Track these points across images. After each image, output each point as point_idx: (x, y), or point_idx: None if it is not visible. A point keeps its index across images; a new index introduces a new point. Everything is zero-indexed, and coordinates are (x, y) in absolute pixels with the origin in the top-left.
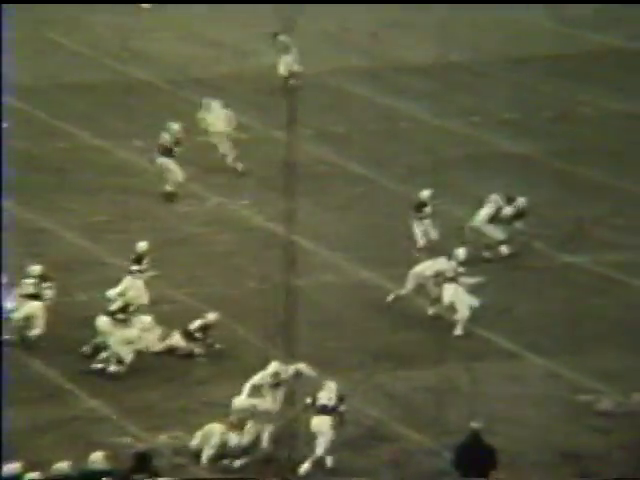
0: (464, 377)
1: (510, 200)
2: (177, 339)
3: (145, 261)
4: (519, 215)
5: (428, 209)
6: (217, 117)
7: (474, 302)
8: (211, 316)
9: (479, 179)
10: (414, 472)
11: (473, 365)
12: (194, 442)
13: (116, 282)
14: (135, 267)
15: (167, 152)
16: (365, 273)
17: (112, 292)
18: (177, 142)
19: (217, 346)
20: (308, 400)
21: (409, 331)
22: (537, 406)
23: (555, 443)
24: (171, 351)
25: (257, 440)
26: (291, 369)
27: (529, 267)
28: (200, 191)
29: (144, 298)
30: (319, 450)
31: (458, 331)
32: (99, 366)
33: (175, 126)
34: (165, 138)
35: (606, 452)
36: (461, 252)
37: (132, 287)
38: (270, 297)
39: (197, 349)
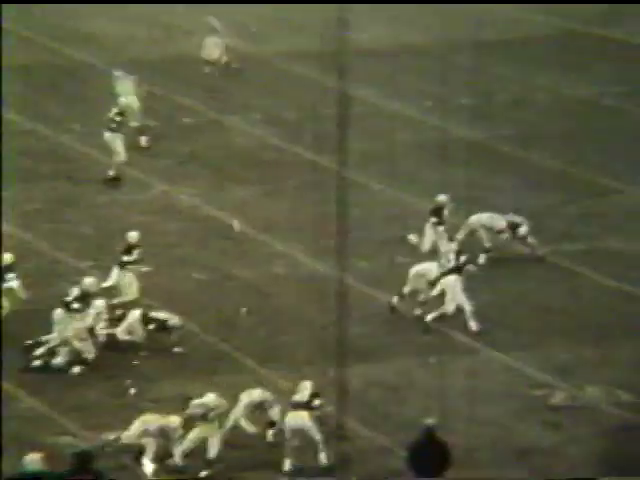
0: (420, 372)
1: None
2: (132, 322)
3: (136, 252)
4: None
5: (445, 214)
6: (127, 90)
7: (467, 304)
8: (173, 320)
9: (432, 166)
10: (367, 471)
11: (429, 360)
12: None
13: (52, 274)
14: (125, 258)
15: (115, 128)
16: (318, 264)
17: (104, 285)
18: (123, 114)
19: (176, 349)
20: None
21: (364, 325)
22: (492, 401)
23: (509, 439)
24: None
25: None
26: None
27: (490, 257)
28: (143, 178)
29: (134, 292)
30: (318, 437)
31: (429, 317)
32: (38, 363)
33: (124, 100)
34: (114, 113)
35: (560, 447)
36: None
37: (121, 280)
38: (217, 290)
39: (139, 338)
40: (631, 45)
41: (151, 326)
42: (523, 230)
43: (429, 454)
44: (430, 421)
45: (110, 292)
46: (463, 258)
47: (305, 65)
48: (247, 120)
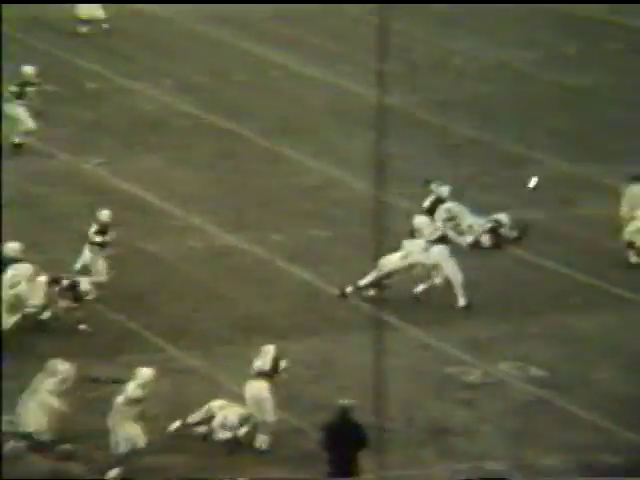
0: (337, 350)
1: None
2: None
3: (111, 233)
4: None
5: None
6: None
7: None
8: (85, 284)
9: (348, 133)
10: (281, 454)
11: (346, 337)
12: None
13: None
14: (99, 239)
15: (18, 96)
16: (230, 238)
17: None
18: (27, 85)
19: (81, 326)
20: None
21: (279, 301)
22: (407, 379)
23: (423, 418)
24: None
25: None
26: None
27: (396, 232)
28: (45, 147)
29: (104, 274)
30: (269, 416)
31: (462, 302)
32: None
33: (29, 70)
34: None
35: (474, 427)
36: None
37: (94, 261)
38: (124, 265)
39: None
40: (545, 9)
41: (61, 284)
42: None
43: (344, 435)
44: (345, 401)
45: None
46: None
47: (219, 28)
48: (156, 85)
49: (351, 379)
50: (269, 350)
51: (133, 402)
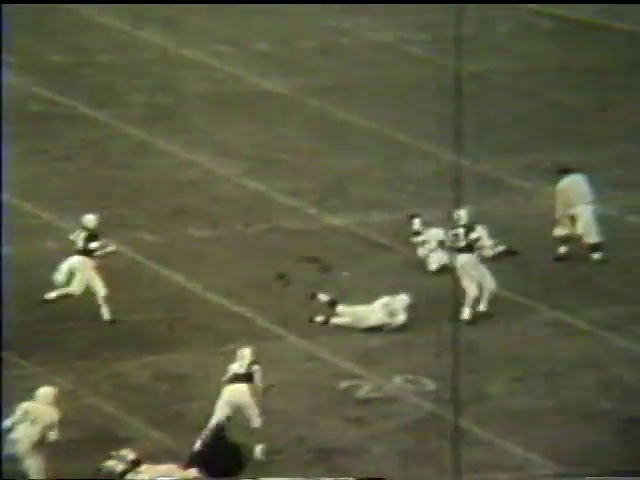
0: (215, 363)
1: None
2: None
3: (102, 239)
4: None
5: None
6: None
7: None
8: None
9: (225, 121)
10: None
11: (226, 348)
12: None
13: None
14: (94, 245)
15: None
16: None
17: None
18: None
19: None
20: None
21: (152, 307)
22: (294, 395)
23: (310, 437)
24: None
25: None
26: None
27: (286, 230)
28: None
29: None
30: (255, 422)
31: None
32: None
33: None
34: None
35: (364, 446)
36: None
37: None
38: None
39: None
40: None
41: None
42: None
43: (217, 456)
44: (220, 420)
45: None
46: (474, 235)
47: (85, 5)
48: (10, 67)
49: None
50: (245, 354)
51: None
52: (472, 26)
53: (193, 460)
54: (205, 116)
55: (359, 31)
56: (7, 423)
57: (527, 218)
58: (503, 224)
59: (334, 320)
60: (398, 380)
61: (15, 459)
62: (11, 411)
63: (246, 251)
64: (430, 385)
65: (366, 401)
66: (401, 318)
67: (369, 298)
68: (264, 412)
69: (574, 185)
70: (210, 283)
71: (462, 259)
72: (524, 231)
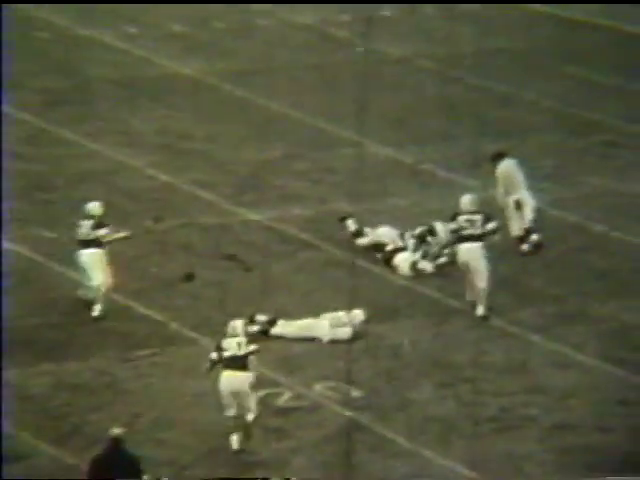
0: (121, 370)
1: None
2: None
3: (109, 225)
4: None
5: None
6: None
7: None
8: None
9: (132, 108)
10: None
11: (134, 354)
12: None
13: None
14: (102, 231)
15: None
16: None
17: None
18: None
19: None
20: (213, 355)
21: (50, 313)
22: (207, 404)
23: (225, 450)
24: None
25: None
26: None
27: (199, 226)
28: None
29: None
30: (252, 414)
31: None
32: None
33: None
34: None
35: (284, 458)
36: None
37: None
38: None
39: None
40: None
41: None
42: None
43: (115, 472)
44: (116, 431)
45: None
46: (492, 225)
47: None
48: None
49: (140, 405)
50: (237, 326)
51: None
52: (399, 8)
53: (89, 474)
54: (110, 102)
55: (278, 11)
56: None
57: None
58: (431, 220)
59: (274, 330)
60: (320, 388)
61: None
62: None
63: (155, 248)
64: (354, 392)
65: (286, 410)
66: (346, 331)
67: (290, 298)
68: (172, 424)
69: (513, 169)
70: (116, 283)
71: (471, 249)
72: None
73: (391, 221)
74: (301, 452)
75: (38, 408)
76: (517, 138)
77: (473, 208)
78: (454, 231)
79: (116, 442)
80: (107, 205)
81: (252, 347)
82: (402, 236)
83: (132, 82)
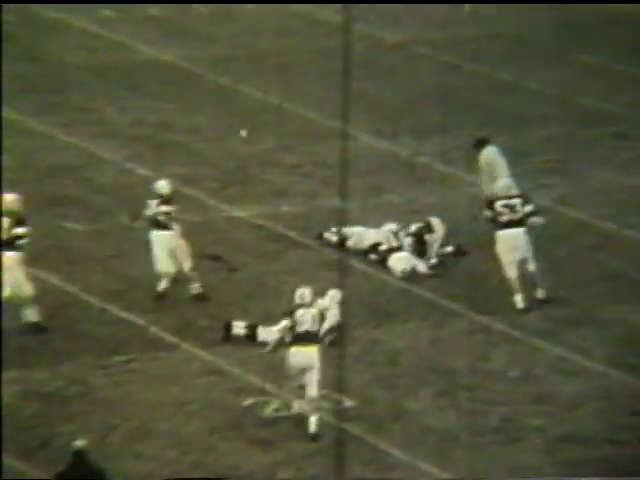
0: (96, 378)
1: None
2: None
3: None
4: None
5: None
6: None
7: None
8: None
9: (108, 97)
10: None
11: (110, 361)
12: None
13: None
14: (168, 208)
15: None
16: None
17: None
18: None
19: None
20: (285, 323)
21: (16, 316)
22: (189, 414)
23: (207, 463)
24: None
25: None
26: None
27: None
28: None
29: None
30: (315, 390)
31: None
32: None
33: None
34: None
35: (270, 472)
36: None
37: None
38: None
39: None
40: None
41: None
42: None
43: None
44: (79, 443)
45: None
46: (529, 208)
47: None
48: None
49: (116, 415)
50: (305, 295)
51: None
52: None
53: None
54: (84, 90)
55: None
56: None
57: (455, 209)
58: (429, 216)
59: (263, 335)
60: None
61: None
62: None
63: (133, 248)
64: (346, 402)
65: (273, 421)
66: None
67: (277, 300)
68: (151, 436)
69: (495, 157)
70: (90, 285)
71: (512, 234)
72: (454, 222)
73: (386, 217)
74: (289, 465)
75: (4, 419)
76: (520, 129)
77: (511, 193)
78: (490, 219)
79: (79, 455)
80: (80, 201)
81: (327, 321)
82: (396, 235)
83: (108, 69)
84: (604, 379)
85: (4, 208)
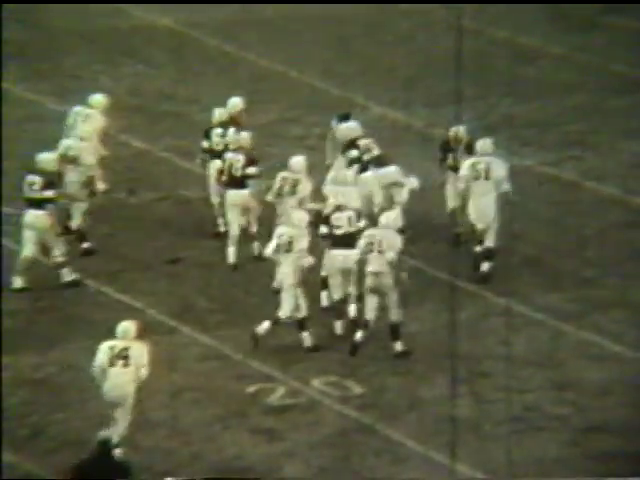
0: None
1: None
2: None
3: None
4: None
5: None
6: None
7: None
8: None
9: (101, 64)
10: None
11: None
12: None
13: None
14: (253, 170)
15: None
16: None
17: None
18: None
19: None
20: (323, 230)
21: (6, 298)
22: (190, 402)
23: (209, 454)
24: None
25: None
26: None
27: (180, 199)
28: None
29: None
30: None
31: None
32: None
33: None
34: None
35: (275, 463)
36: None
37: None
38: None
39: None
40: None
41: None
42: None
43: (101, 475)
44: (104, 434)
45: None
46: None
47: None
48: None
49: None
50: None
51: None
52: None
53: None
54: (77, 57)
55: None
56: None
57: None
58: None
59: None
60: (317, 383)
61: None
62: None
63: (130, 224)
64: (355, 389)
65: (279, 409)
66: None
67: None
68: (149, 425)
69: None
70: (85, 265)
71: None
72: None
73: None
74: (295, 456)
75: None
76: (544, 98)
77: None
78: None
79: (104, 446)
80: None
81: (362, 223)
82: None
83: (102, 34)
84: (634, 365)
85: (39, 167)
